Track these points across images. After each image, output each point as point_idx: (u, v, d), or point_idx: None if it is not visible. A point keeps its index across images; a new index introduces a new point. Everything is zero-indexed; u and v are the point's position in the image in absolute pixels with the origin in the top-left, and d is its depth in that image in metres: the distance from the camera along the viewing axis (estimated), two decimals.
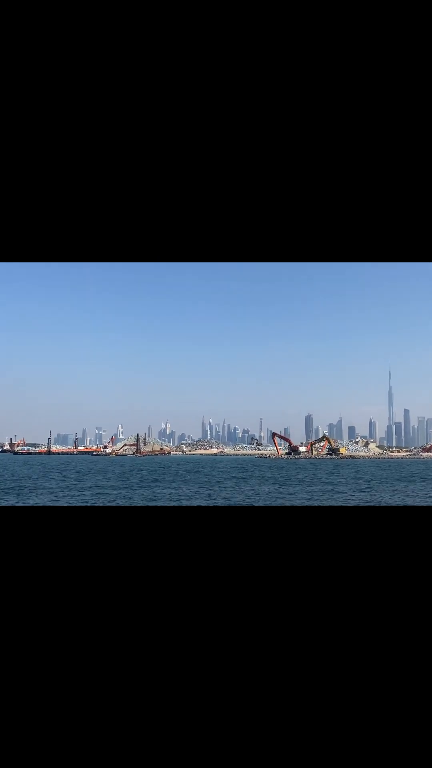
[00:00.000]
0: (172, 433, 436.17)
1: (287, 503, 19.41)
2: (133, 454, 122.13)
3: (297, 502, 22.77)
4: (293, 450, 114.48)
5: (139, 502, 23.59)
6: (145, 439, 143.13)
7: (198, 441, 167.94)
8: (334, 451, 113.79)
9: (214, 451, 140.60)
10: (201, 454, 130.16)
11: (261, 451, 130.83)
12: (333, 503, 20.03)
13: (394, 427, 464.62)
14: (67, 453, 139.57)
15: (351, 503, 20.83)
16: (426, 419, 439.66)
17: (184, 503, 19.20)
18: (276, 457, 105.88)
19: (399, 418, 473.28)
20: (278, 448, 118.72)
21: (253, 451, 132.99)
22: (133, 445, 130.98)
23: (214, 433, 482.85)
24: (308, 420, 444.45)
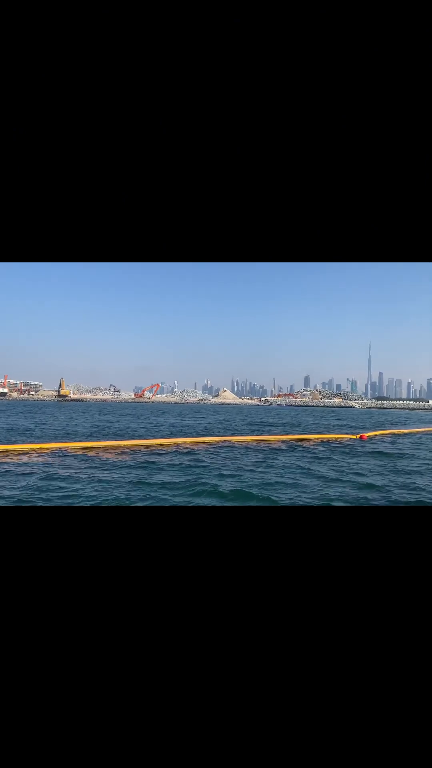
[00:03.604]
0: (211, 387, 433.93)
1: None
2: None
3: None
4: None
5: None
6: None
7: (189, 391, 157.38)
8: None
9: (194, 399, 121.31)
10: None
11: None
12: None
13: (370, 386, 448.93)
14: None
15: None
16: (394, 380, 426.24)
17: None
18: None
19: (375, 378, 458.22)
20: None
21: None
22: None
23: (239, 388, 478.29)
24: (306, 379, 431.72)
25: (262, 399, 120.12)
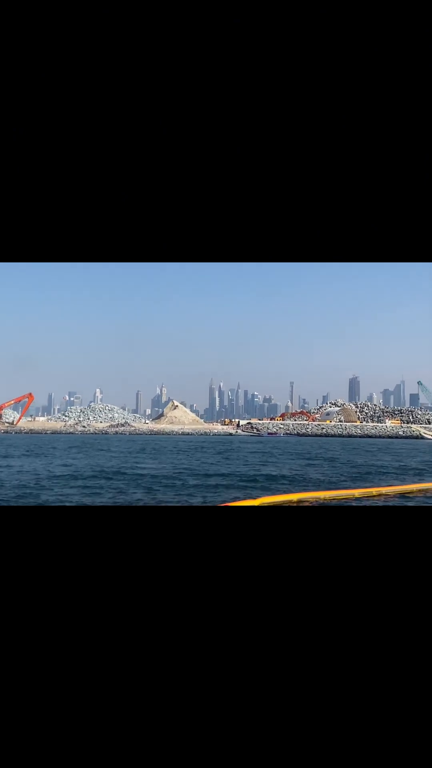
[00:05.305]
0: (168, 402, 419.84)
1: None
2: None
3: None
4: None
5: None
6: None
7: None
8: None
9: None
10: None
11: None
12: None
13: None
14: None
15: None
16: None
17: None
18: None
19: None
20: None
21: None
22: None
23: (226, 402, 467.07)
24: (353, 384, 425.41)
25: (242, 424, 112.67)
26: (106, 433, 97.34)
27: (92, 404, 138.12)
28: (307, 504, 13.39)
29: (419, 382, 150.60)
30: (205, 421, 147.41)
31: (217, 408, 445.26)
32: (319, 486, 19.35)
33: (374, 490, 16.48)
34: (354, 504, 13.72)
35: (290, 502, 13.39)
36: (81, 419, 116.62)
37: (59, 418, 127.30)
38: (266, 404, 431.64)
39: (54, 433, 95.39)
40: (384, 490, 16.92)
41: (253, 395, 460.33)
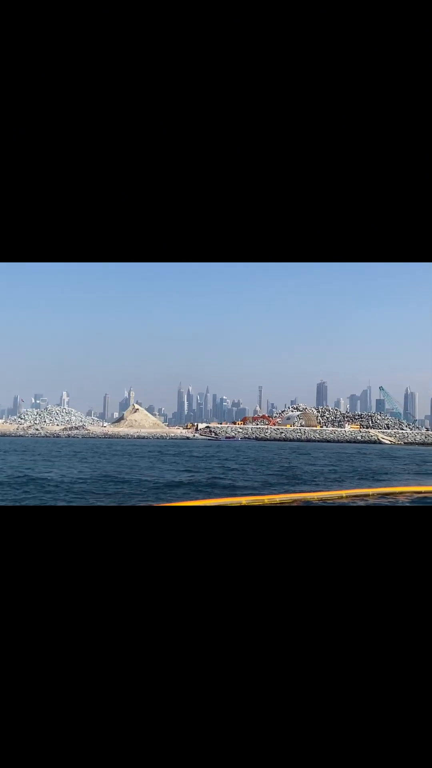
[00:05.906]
0: (141, 404, 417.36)
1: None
2: None
3: None
4: None
5: None
6: None
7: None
8: None
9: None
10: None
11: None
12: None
13: None
14: None
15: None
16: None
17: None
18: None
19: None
20: None
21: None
22: None
23: (194, 406, 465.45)
24: (320, 389, 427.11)
25: (201, 428, 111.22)
26: (58, 436, 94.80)
27: (49, 407, 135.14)
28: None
29: (381, 388, 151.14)
30: (169, 426, 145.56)
31: (186, 412, 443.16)
32: (222, 492, 18.10)
33: (266, 498, 14.95)
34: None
35: None
36: (37, 422, 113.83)
37: (14, 420, 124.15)
38: (235, 408, 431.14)
39: (3, 435, 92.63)
40: (279, 497, 15.36)
41: (221, 399, 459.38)
